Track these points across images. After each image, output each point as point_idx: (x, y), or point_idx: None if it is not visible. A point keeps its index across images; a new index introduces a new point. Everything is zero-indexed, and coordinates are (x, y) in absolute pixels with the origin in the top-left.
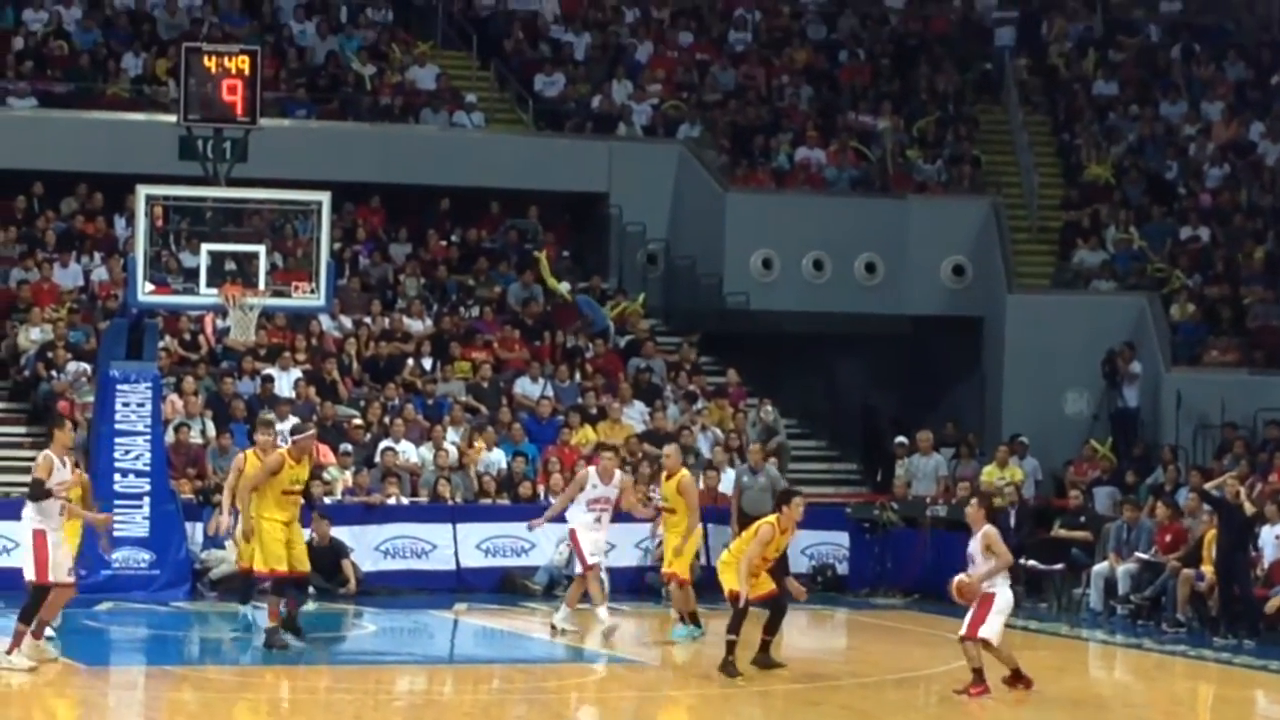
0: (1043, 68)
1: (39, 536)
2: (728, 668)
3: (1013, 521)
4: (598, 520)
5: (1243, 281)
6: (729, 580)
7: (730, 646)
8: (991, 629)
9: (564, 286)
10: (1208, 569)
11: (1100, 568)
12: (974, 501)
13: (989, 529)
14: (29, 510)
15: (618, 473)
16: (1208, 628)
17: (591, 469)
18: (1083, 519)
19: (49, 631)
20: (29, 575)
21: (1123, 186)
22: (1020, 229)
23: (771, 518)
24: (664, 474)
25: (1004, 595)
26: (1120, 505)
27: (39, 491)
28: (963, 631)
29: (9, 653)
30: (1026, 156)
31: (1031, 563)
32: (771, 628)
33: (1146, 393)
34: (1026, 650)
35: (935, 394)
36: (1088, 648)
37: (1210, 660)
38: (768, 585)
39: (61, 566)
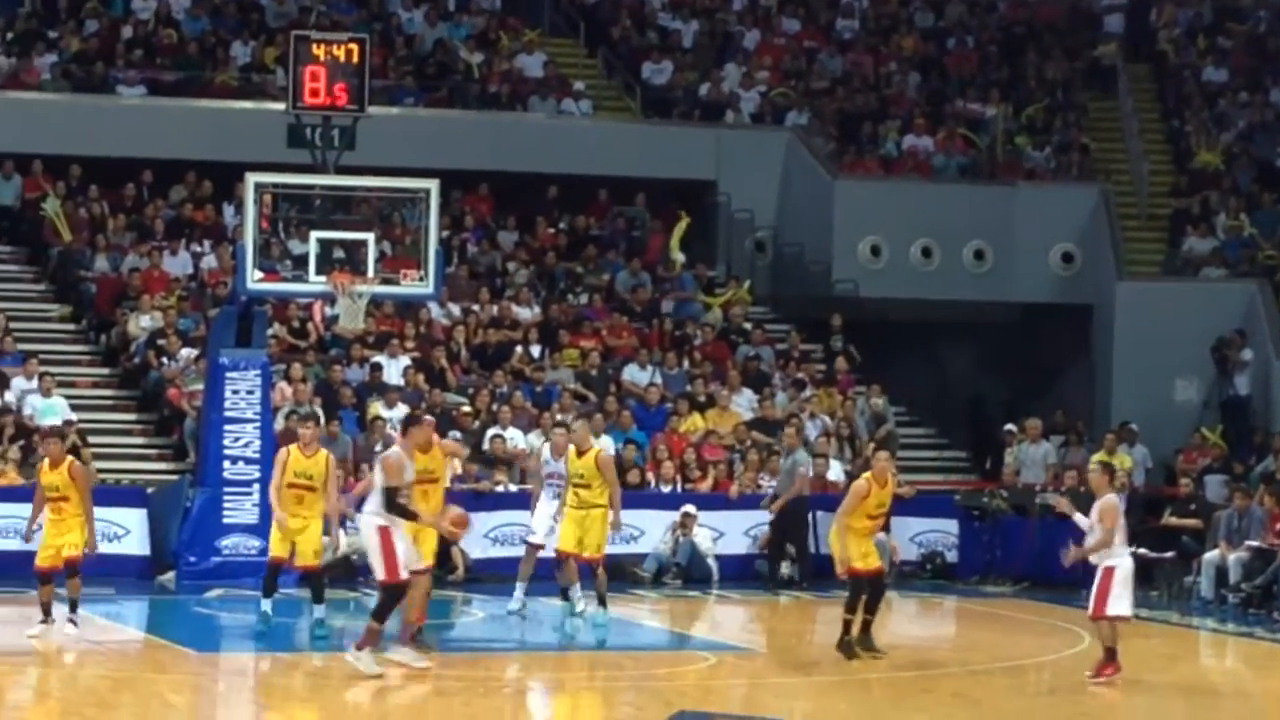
0: (1152, 54)
1: (384, 533)
2: (845, 647)
3: (1123, 509)
4: (556, 496)
5: None
6: (838, 553)
7: (846, 625)
8: (1121, 605)
9: (680, 258)
10: None
11: (1211, 556)
12: (1095, 467)
13: (1109, 498)
14: (371, 506)
15: (571, 448)
16: None
17: (545, 445)
18: (1193, 507)
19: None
20: (379, 575)
21: (1233, 173)
22: (1129, 216)
23: (866, 474)
24: (574, 450)
25: (1124, 565)
26: (1231, 493)
27: (392, 503)
28: (1091, 611)
29: (359, 648)
30: (1136, 144)
31: (1142, 551)
32: (872, 606)
33: (1257, 380)
34: (1138, 638)
35: (1044, 382)
36: (1199, 636)
37: None
38: (875, 562)
39: (411, 558)
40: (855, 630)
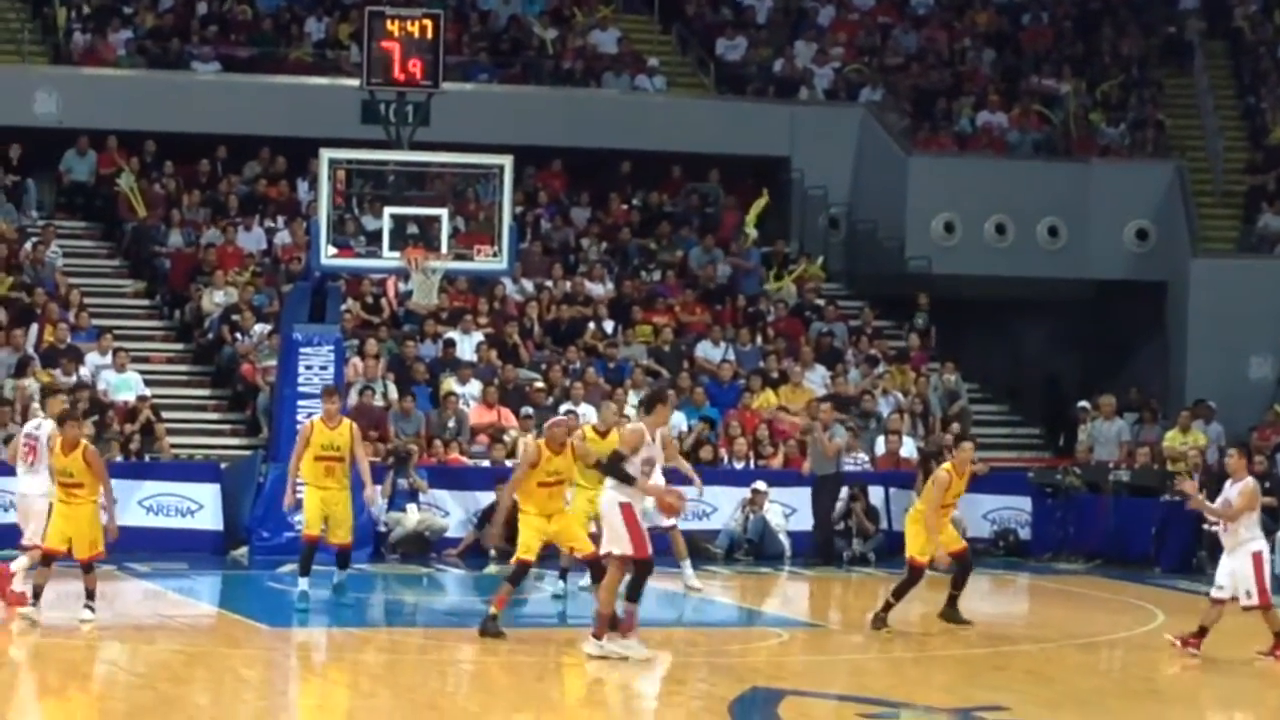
0: (1228, 31)
1: (627, 510)
2: (877, 621)
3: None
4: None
5: None
6: (916, 541)
7: (887, 605)
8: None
9: (754, 233)
10: None
11: None
12: (1234, 452)
13: (1249, 480)
14: (612, 483)
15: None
16: None
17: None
18: (1268, 485)
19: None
20: (627, 551)
21: None
22: (1204, 193)
23: (947, 464)
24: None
25: (1265, 548)
26: None
27: (617, 469)
28: (1255, 601)
29: (624, 634)
30: (1211, 120)
31: (1215, 529)
32: (959, 582)
33: None
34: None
35: (1118, 359)
36: (1275, 614)
37: None
38: (958, 543)
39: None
40: (943, 604)
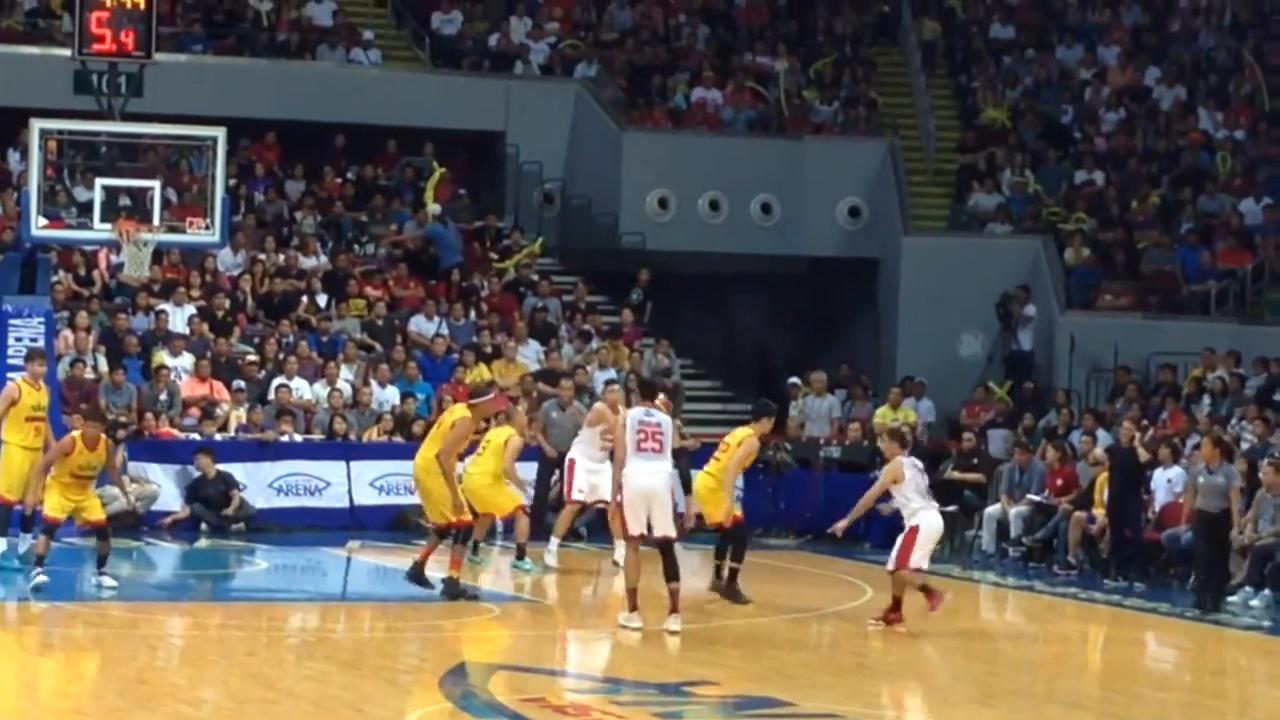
0: (941, 10)
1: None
2: (736, 595)
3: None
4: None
5: (1136, 226)
6: (716, 507)
7: (734, 574)
8: (920, 558)
9: (434, 209)
10: (1099, 511)
11: (993, 510)
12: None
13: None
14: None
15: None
16: (1099, 570)
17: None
18: (975, 461)
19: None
20: (672, 532)
21: (1019, 130)
22: (916, 171)
23: (749, 430)
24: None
25: (928, 523)
26: (1013, 448)
27: None
28: (891, 566)
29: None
30: (923, 99)
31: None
32: (721, 554)
33: (1040, 336)
34: (919, 591)
35: (830, 335)
36: (980, 589)
37: (1101, 602)
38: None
39: None
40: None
